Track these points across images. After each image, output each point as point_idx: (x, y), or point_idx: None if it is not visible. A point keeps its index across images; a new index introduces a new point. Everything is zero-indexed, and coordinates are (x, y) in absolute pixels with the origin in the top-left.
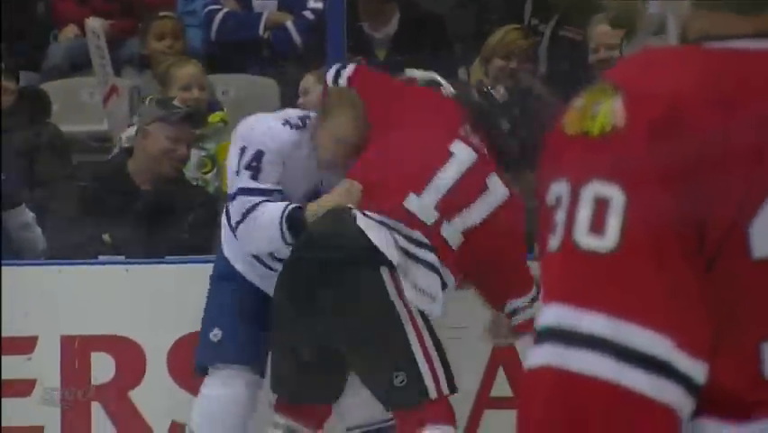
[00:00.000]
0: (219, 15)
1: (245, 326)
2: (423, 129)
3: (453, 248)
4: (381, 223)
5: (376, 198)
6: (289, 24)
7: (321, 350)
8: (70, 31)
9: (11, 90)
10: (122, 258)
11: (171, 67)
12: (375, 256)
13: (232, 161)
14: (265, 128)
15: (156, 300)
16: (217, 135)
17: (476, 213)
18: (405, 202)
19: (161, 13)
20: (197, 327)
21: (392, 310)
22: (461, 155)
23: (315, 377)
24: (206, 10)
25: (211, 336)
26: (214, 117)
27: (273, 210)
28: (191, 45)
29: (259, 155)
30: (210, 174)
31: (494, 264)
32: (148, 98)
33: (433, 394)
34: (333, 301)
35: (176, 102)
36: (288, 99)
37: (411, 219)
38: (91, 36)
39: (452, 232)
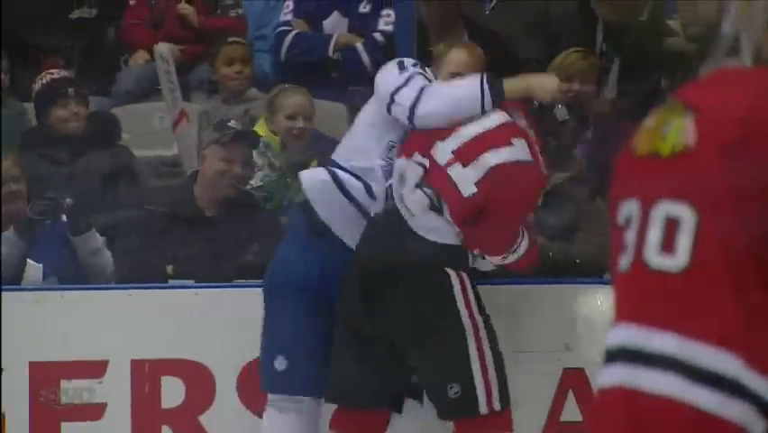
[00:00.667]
0: (289, 36)
1: (312, 355)
2: None
3: (462, 193)
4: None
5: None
6: (359, 46)
7: (384, 349)
8: (141, 56)
9: (81, 115)
10: (191, 282)
11: (279, 94)
12: (443, 261)
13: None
14: None
15: (225, 324)
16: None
17: (490, 160)
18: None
19: (230, 39)
20: None
21: (457, 319)
22: (494, 115)
23: (377, 379)
24: (277, 31)
25: (276, 364)
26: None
27: (462, 84)
28: (261, 70)
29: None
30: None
31: (486, 214)
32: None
33: (483, 409)
34: (400, 299)
35: (232, 123)
36: None
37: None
38: (160, 61)
39: (463, 177)
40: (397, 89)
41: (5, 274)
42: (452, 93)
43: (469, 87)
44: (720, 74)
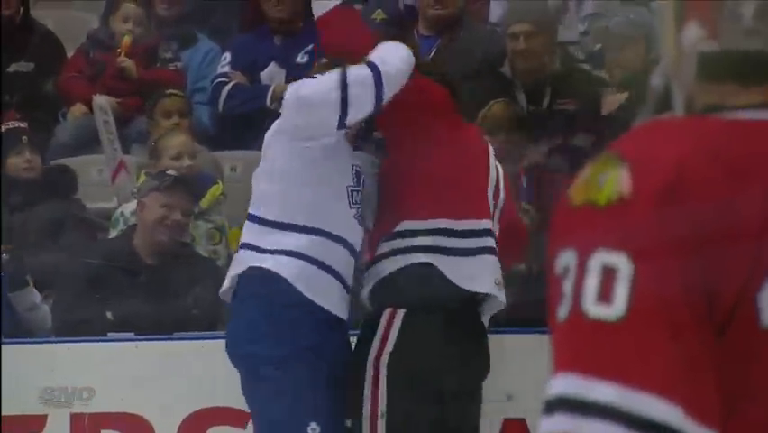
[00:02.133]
0: (226, 88)
1: (340, 417)
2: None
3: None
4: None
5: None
6: None
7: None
8: (78, 109)
9: (36, 164)
10: (131, 334)
11: (160, 139)
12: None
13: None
14: None
15: (166, 377)
16: (218, 208)
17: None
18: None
19: (168, 91)
20: (207, 403)
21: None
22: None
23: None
24: (214, 83)
25: (309, 430)
26: (216, 190)
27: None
28: (200, 122)
29: None
30: (220, 246)
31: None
32: (143, 172)
33: None
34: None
35: (168, 172)
36: None
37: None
38: (99, 112)
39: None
40: (342, 81)
41: None
42: (396, 53)
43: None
44: (653, 124)
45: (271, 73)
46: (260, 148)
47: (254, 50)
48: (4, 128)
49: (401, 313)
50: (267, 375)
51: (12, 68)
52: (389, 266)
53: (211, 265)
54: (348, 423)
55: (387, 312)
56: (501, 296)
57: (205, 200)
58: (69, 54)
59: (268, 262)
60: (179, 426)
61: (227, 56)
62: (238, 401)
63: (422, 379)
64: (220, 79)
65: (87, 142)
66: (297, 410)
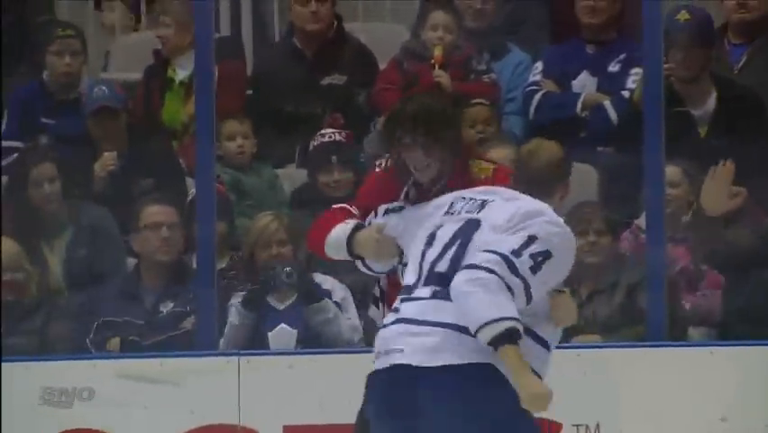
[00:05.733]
0: (537, 96)
1: None
2: None
3: None
4: None
5: None
6: (607, 104)
7: None
8: None
9: (346, 181)
10: None
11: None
12: None
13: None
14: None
15: None
16: None
17: None
18: None
19: (473, 101)
20: None
21: None
22: None
23: None
24: (526, 90)
25: None
26: None
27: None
28: (511, 131)
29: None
30: None
31: None
32: None
33: None
34: None
35: None
36: (606, 185)
37: None
38: None
39: None
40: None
41: (236, 343)
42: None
43: None
44: None
45: (583, 81)
46: (572, 158)
47: (566, 60)
48: (319, 140)
49: None
50: None
51: (325, 80)
52: None
53: None
54: None
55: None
56: None
57: None
58: (381, 66)
59: None
60: None
61: (539, 65)
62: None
63: None
64: (531, 87)
65: None
66: None
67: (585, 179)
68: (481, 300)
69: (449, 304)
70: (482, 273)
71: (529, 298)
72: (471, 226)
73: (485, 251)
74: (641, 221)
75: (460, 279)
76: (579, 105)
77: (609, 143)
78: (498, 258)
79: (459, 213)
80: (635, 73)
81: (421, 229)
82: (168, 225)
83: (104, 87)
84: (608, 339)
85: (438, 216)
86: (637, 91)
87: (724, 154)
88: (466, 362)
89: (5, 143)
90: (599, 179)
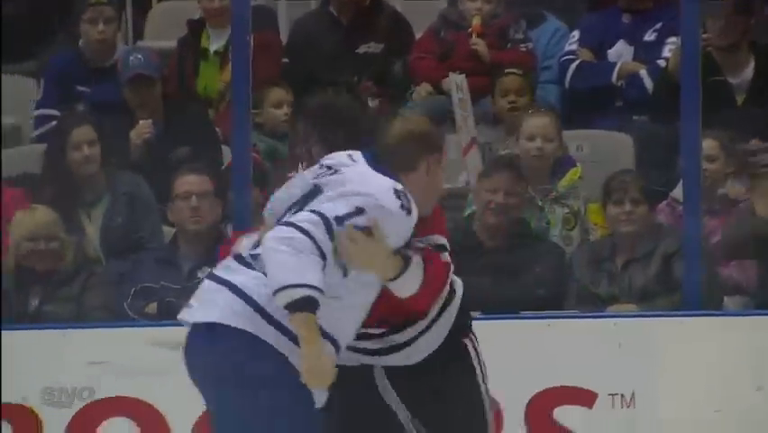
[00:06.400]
0: (574, 64)
1: None
2: None
3: None
4: None
5: None
6: (643, 73)
7: None
8: (424, 89)
9: None
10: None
11: (521, 118)
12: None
13: None
14: None
15: (511, 355)
16: (575, 192)
17: None
18: None
19: (507, 71)
20: (553, 382)
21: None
22: None
23: None
24: (562, 59)
25: None
26: (573, 174)
27: None
28: (546, 100)
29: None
30: (574, 231)
31: None
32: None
33: None
34: None
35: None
36: (642, 155)
37: None
38: (455, 90)
39: None
40: None
41: None
42: None
43: None
44: None
45: (619, 50)
46: (606, 127)
47: (603, 29)
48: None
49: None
50: None
51: (361, 49)
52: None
53: (550, 245)
54: None
55: (469, 341)
56: None
57: (563, 184)
58: (417, 35)
59: None
60: (527, 404)
61: (575, 34)
62: (585, 381)
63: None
64: (567, 57)
65: (435, 122)
66: None
67: (621, 147)
68: (285, 262)
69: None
70: (295, 232)
71: (345, 270)
72: (314, 192)
73: (308, 210)
74: (677, 192)
75: (271, 234)
76: (615, 74)
77: (645, 112)
78: (317, 219)
79: (314, 178)
80: (672, 42)
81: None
82: (198, 195)
83: (139, 55)
84: (643, 308)
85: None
86: (673, 60)
87: (761, 123)
88: (231, 324)
89: (43, 112)
90: (635, 149)
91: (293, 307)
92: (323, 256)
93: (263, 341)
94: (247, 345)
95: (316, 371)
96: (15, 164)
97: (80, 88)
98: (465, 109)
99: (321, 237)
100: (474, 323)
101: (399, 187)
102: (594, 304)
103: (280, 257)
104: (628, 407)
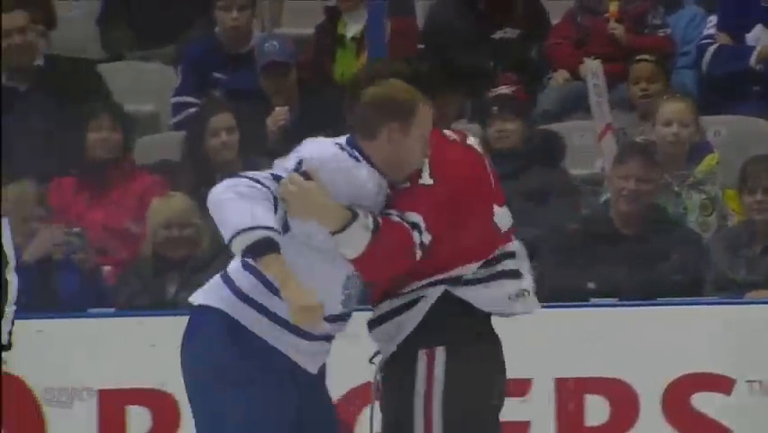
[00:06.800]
0: (711, 48)
1: None
2: None
3: None
4: None
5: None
6: None
7: None
8: (561, 75)
9: (513, 131)
10: (614, 300)
11: (657, 103)
12: None
13: None
14: None
15: (648, 342)
16: (713, 178)
17: None
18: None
19: (638, 57)
20: (690, 369)
21: None
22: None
23: None
24: (699, 43)
25: None
26: (711, 160)
27: None
28: (683, 85)
29: None
30: (711, 217)
31: None
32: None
33: None
34: None
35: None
36: None
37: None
38: (590, 76)
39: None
40: None
41: None
42: None
43: None
44: None
45: (757, 35)
46: (744, 112)
47: (741, 13)
48: (492, 94)
49: (441, 351)
50: None
51: (497, 34)
52: (422, 307)
53: (687, 231)
54: None
55: (423, 353)
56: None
57: (700, 169)
58: (553, 21)
59: None
60: (663, 391)
61: (713, 18)
62: (722, 368)
63: (480, 411)
64: (705, 41)
65: (571, 108)
66: None
67: (760, 133)
68: (235, 208)
69: None
70: (243, 181)
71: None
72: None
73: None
74: None
75: (216, 187)
76: (753, 59)
77: None
78: (268, 174)
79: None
80: None
81: None
82: None
83: (274, 42)
84: None
85: None
86: None
87: None
88: (204, 303)
89: (180, 99)
90: None
91: (252, 251)
92: (270, 200)
93: (236, 321)
94: (219, 323)
95: (302, 307)
96: (153, 151)
97: (217, 75)
98: (600, 95)
99: (266, 182)
100: (612, 309)
101: (349, 148)
102: (732, 290)
103: (229, 204)
104: (767, 393)
